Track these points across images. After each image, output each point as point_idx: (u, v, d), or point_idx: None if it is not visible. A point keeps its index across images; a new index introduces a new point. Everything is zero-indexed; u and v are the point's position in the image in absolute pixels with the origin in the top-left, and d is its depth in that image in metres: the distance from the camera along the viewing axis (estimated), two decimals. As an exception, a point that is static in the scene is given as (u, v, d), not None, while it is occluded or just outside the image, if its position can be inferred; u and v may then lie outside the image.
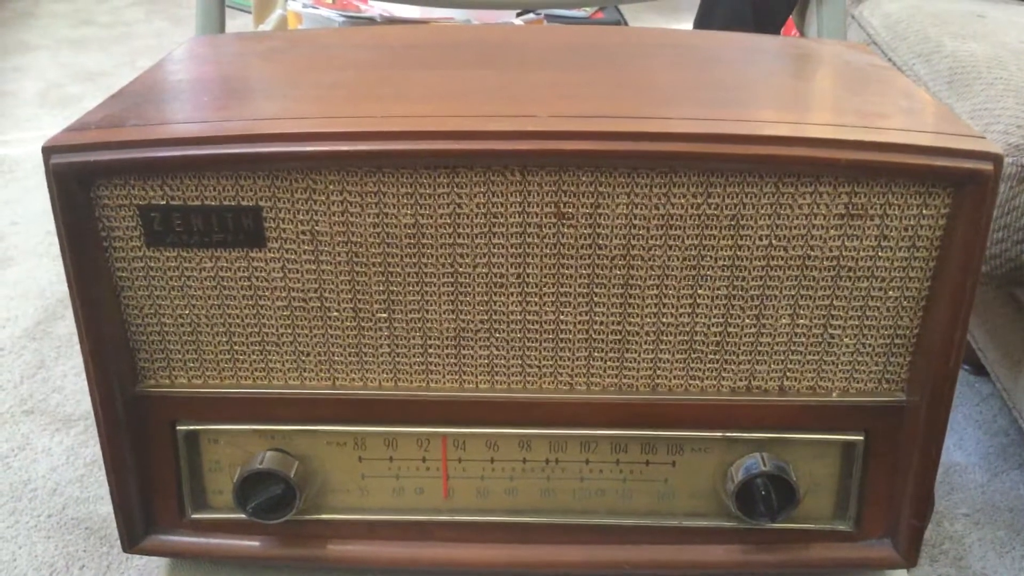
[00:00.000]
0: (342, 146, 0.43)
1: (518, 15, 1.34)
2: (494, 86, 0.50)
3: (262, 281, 0.48)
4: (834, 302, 0.47)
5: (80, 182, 0.45)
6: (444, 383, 0.50)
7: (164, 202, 0.45)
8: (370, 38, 0.61)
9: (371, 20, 1.19)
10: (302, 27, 1.27)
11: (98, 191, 0.45)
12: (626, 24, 1.57)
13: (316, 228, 0.46)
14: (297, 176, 0.45)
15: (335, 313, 0.48)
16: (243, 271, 0.47)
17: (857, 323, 0.47)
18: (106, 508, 0.76)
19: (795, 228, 0.45)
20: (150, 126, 0.45)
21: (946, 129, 0.45)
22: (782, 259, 0.46)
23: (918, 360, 0.48)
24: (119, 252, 0.47)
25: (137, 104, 0.49)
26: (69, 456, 0.82)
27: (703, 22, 1.49)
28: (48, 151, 0.44)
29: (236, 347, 0.50)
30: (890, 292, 0.46)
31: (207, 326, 0.49)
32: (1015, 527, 0.96)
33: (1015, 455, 1.06)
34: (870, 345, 0.48)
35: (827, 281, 0.46)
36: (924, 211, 0.44)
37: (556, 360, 0.49)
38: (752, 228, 0.45)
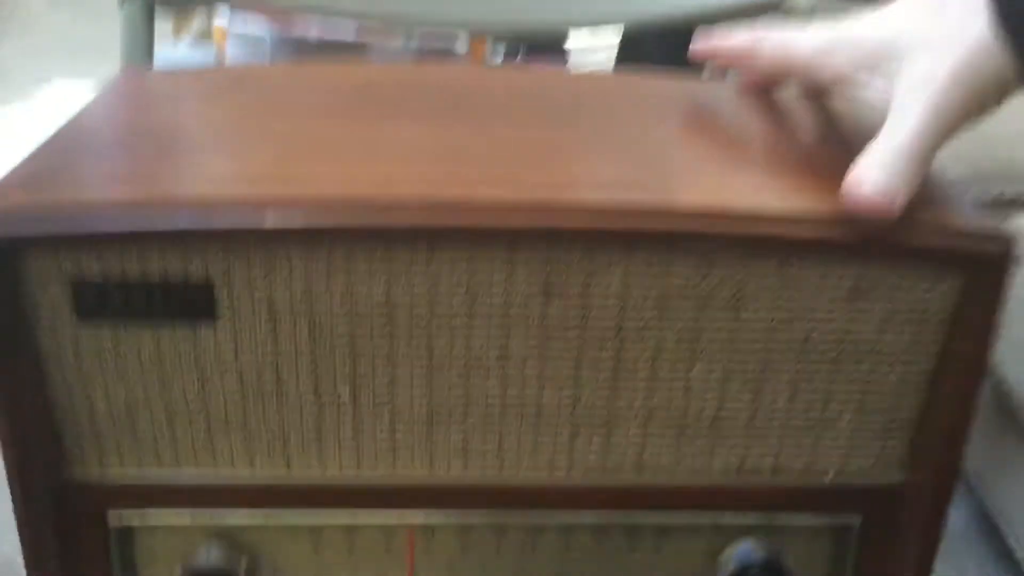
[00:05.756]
0: (308, 221, 0.38)
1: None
2: (470, 144, 0.46)
3: (210, 359, 0.42)
4: (834, 383, 0.44)
5: (2, 252, 0.39)
6: (412, 467, 0.46)
7: (100, 279, 0.40)
8: (325, 79, 0.56)
9: (303, 39, 1.13)
10: (228, 44, 1.20)
11: (23, 262, 0.40)
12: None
13: (274, 305, 0.41)
14: (255, 249, 0.40)
15: (293, 394, 0.44)
16: (189, 348, 0.42)
17: (857, 403, 0.44)
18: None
19: (798, 308, 0.42)
20: (84, 188, 0.40)
21: (955, 205, 0.42)
22: (783, 339, 0.43)
23: (919, 441, 0.45)
24: (45, 325, 0.41)
25: (66, 161, 0.43)
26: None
27: (629, 53, 1.40)
28: (-36, 218, 0.38)
29: (178, 430, 0.44)
30: (892, 374, 0.44)
31: (145, 408, 0.44)
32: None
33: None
34: (869, 425, 0.45)
35: (828, 362, 0.43)
36: (932, 293, 0.42)
37: (536, 442, 0.45)
38: (753, 307, 0.42)
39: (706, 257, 0.40)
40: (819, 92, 0.51)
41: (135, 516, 0.46)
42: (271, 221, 0.38)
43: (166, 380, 0.43)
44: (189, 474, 0.45)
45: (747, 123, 0.51)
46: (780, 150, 0.48)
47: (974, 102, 0.40)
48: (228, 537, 0.47)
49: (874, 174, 0.39)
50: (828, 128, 0.51)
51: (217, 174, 0.42)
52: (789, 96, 0.53)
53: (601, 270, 0.41)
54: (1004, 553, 0.90)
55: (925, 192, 0.41)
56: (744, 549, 0.47)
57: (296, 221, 0.38)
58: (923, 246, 0.40)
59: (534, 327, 0.42)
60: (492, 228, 0.39)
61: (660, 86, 0.56)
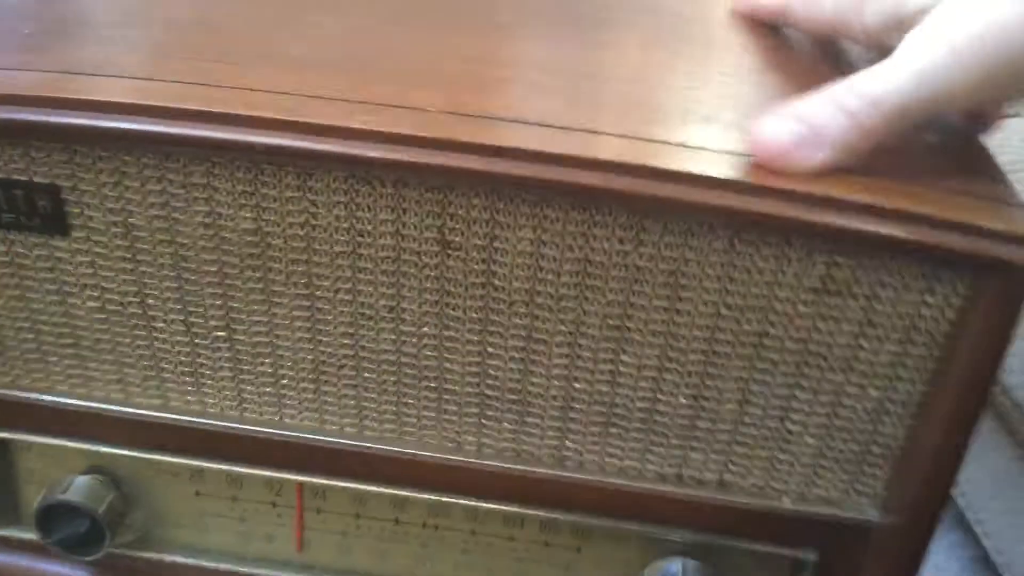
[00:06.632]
0: (155, 125, 0.32)
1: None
2: (394, 51, 0.39)
3: (68, 276, 0.37)
4: (796, 393, 0.36)
5: None
6: (300, 420, 0.40)
7: (-71, 171, 0.35)
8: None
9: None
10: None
11: None
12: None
13: (130, 220, 0.35)
14: (101, 154, 0.34)
15: (161, 324, 0.38)
16: (44, 261, 0.37)
17: (824, 421, 0.36)
18: None
19: (752, 297, 0.34)
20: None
21: (969, 185, 0.33)
22: (733, 332, 0.34)
23: (900, 475, 0.37)
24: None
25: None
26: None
27: None
28: None
29: (45, 347, 0.40)
30: (871, 391, 0.35)
31: (7, 319, 0.39)
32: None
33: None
34: (839, 449, 0.37)
35: (789, 367, 0.35)
36: (927, 298, 0.33)
37: (440, 413, 0.39)
38: (695, 290, 0.34)
39: (636, 223, 0.32)
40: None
41: (6, 432, 0.42)
42: (106, 120, 0.32)
43: (26, 293, 0.38)
44: (61, 396, 0.41)
45: (735, 63, 0.41)
46: (762, 103, 0.38)
47: (991, 77, 0.30)
48: (103, 468, 0.43)
49: (786, 120, 0.30)
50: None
51: (83, 63, 0.36)
52: (798, 39, 0.43)
53: (507, 223, 0.33)
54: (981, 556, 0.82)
55: (931, 161, 0.31)
56: (672, 568, 0.40)
57: (139, 126, 0.32)
58: (916, 239, 0.31)
59: (430, 281, 0.35)
60: (372, 159, 0.32)
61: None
